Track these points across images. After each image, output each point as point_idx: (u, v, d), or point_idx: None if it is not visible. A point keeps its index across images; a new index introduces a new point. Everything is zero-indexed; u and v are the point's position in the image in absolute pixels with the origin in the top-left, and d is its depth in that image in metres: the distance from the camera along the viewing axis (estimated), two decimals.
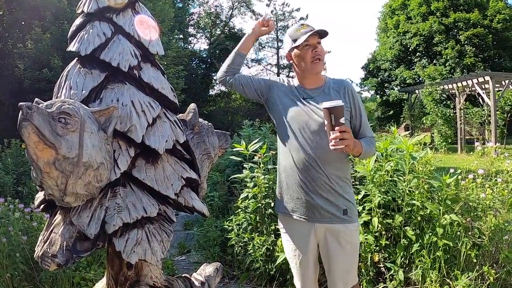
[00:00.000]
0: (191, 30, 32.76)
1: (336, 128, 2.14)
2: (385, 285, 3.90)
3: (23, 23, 14.67)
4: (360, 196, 4.08)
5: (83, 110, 1.67)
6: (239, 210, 4.56)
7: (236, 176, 4.88)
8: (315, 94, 2.46)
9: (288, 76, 35.45)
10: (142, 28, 2.06)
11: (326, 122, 2.19)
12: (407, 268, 3.92)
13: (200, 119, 2.41)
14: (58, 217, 1.84)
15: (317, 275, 2.66)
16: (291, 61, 2.55)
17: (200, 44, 49.12)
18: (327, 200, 2.41)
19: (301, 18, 35.31)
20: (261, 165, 4.38)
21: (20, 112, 1.50)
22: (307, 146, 2.42)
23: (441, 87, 21.73)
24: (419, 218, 3.92)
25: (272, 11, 35.00)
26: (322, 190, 2.41)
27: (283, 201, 2.58)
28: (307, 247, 2.53)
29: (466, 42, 28.78)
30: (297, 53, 2.47)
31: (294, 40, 2.45)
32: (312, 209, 2.44)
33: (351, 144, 2.19)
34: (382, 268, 4.02)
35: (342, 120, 2.14)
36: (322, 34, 2.45)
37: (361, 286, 3.85)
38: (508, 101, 21.19)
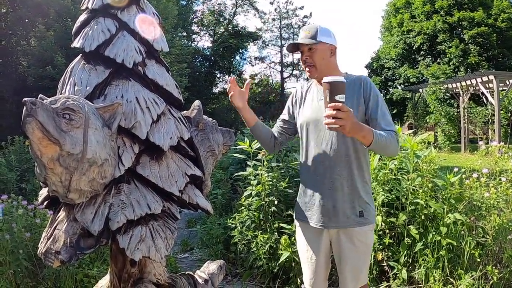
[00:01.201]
0: (194, 28, 32.82)
1: (329, 105, 1.93)
2: (388, 284, 3.89)
3: (26, 20, 14.71)
4: None
5: (87, 106, 1.66)
6: (243, 207, 4.57)
7: (239, 173, 4.88)
8: None
9: (291, 75, 35.60)
10: (145, 26, 2.05)
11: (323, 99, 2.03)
12: (410, 267, 3.91)
13: (205, 116, 2.40)
14: (62, 214, 1.84)
15: (327, 273, 2.65)
16: None
17: (204, 42, 49.22)
18: (343, 202, 2.39)
19: (305, 16, 35.45)
20: (265, 162, 4.38)
21: (24, 108, 1.49)
22: (322, 146, 2.41)
23: (445, 86, 21.69)
24: (422, 217, 3.91)
25: (275, 9, 35.07)
26: (338, 191, 2.39)
27: (299, 208, 2.59)
28: (319, 245, 2.52)
29: (470, 41, 28.71)
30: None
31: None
32: (328, 214, 2.42)
33: (346, 124, 1.94)
34: (385, 267, 4.01)
35: (338, 98, 1.93)
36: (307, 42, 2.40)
37: None
38: None
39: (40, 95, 1.63)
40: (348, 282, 2.48)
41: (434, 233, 3.78)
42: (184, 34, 27.31)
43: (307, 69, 2.44)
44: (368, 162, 2.51)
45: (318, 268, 2.56)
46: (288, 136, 2.76)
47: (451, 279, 3.70)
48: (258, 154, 4.43)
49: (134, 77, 1.96)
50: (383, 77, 33.20)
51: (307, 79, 2.65)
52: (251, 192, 4.39)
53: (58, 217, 1.84)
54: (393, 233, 4.05)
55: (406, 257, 3.89)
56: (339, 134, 2.33)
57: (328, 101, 1.95)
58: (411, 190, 3.94)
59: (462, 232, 3.78)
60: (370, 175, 2.55)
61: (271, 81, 37.77)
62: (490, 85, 18.57)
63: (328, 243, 2.53)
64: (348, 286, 2.49)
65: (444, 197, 3.89)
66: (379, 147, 2.17)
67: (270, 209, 4.33)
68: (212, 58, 31.22)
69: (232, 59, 33.01)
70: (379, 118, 2.31)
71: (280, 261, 3.97)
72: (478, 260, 3.71)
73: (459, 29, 29.90)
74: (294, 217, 2.70)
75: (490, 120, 20.43)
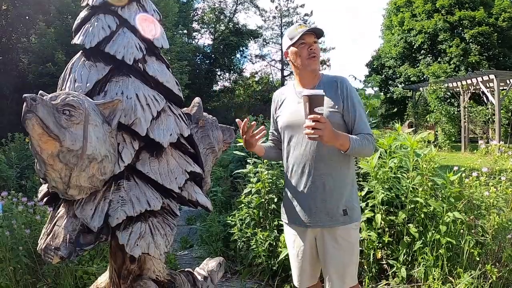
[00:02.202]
0: (195, 25, 32.77)
1: (309, 116, 2.10)
2: (387, 282, 3.90)
3: (27, 17, 14.72)
4: (363, 193, 4.08)
5: (87, 103, 1.66)
6: (242, 205, 4.57)
7: (239, 171, 4.88)
8: None
9: (292, 73, 35.53)
10: (145, 25, 2.05)
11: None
12: (409, 265, 3.91)
13: (205, 113, 2.41)
14: (62, 210, 1.84)
15: (316, 270, 2.64)
16: (287, 59, 2.57)
17: (204, 39, 49.06)
18: (325, 201, 2.40)
19: (306, 14, 35.39)
20: (265, 160, 4.38)
21: (24, 104, 1.49)
22: (303, 147, 2.43)
23: (446, 85, 21.66)
24: (422, 215, 3.91)
25: (276, 7, 35.03)
26: (320, 190, 2.41)
27: (285, 208, 2.62)
28: (305, 242, 2.54)
29: (471, 40, 28.65)
30: (293, 50, 2.48)
31: (291, 39, 2.47)
32: (310, 214, 2.43)
33: (325, 134, 2.11)
34: (384, 265, 4.02)
35: (318, 110, 2.10)
36: (318, 33, 2.47)
37: (363, 283, 3.85)
38: None
39: (40, 92, 1.63)
40: (333, 280, 2.48)
41: (433, 231, 3.78)
42: (185, 31, 27.33)
43: (313, 59, 2.45)
44: (351, 160, 2.53)
45: (305, 265, 2.57)
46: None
47: (450, 278, 3.71)
48: None
49: (134, 73, 1.97)
50: (383, 76, 33.12)
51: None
52: (251, 190, 4.40)
53: (58, 214, 1.84)
54: (393, 232, 4.06)
55: (405, 256, 3.89)
56: None
57: (308, 113, 2.11)
58: (411, 189, 3.94)
59: (462, 230, 3.79)
60: (354, 172, 2.58)
61: (271, 79, 37.75)
62: (491, 84, 18.54)
63: (313, 240, 2.53)
64: (334, 286, 2.48)
65: (444, 196, 3.89)
66: (355, 152, 2.32)
67: (270, 207, 4.33)
68: (213, 55, 31.20)
69: (232, 57, 32.98)
70: (357, 122, 2.42)
71: (279, 258, 3.97)
72: (477, 259, 3.71)
73: (460, 28, 29.83)
74: (281, 217, 2.72)
75: (491, 119, 20.43)
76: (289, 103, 2.55)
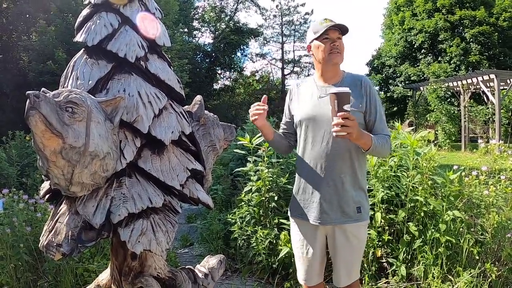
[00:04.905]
0: (195, 24, 32.73)
1: (338, 114, 2.09)
2: (387, 280, 3.91)
3: (27, 15, 14.74)
4: None
5: (90, 100, 1.67)
6: (243, 203, 4.57)
7: (240, 169, 4.88)
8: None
9: (292, 72, 35.53)
10: (146, 22, 2.05)
11: (331, 108, 2.15)
12: (409, 264, 3.93)
13: (206, 111, 2.41)
14: (64, 207, 1.85)
15: (323, 267, 2.66)
16: (310, 53, 2.55)
17: (205, 38, 49.05)
18: (342, 198, 2.42)
19: (306, 13, 35.41)
20: (265, 158, 4.39)
21: (28, 101, 1.50)
22: (323, 144, 2.42)
23: (446, 84, 21.65)
24: (422, 214, 3.92)
25: (277, 6, 35.03)
26: (339, 188, 2.42)
27: (296, 205, 2.59)
28: (315, 241, 2.55)
29: (471, 39, 28.62)
30: (316, 44, 2.47)
31: (315, 33, 2.45)
32: (326, 211, 2.43)
33: (353, 132, 2.12)
34: (384, 264, 4.03)
35: (346, 107, 2.10)
36: (343, 29, 2.45)
37: (363, 281, 3.87)
38: None
39: (43, 89, 1.64)
40: (341, 277, 2.53)
41: (433, 230, 3.79)
42: (185, 30, 27.28)
43: (336, 54, 2.43)
44: (365, 159, 2.57)
45: (313, 263, 2.59)
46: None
47: (450, 276, 3.72)
48: (259, 150, 4.44)
49: (136, 71, 1.97)
50: (384, 75, 33.11)
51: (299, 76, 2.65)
52: (251, 188, 4.40)
53: (60, 210, 1.85)
54: (393, 230, 4.07)
55: (405, 254, 3.90)
56: None
57: (337, 110, 2.11)
58: (411, 187, 3.95)
59: (461, 229, 3.80)
60: (365, 170, 2.61)
61: (272, 78, 37.73)
62: (491, 84, 18.54)
63: (323, 238, 2.55)
64: (341, 281, 2.55)
65: (444, 195, 3.91)
66: (375, 151, 2.36)
67: (270, 205, 4.34)
68: (213, 54, 31.18)
69: (233, 56, 32.95)
70: (377, 122, 2.44)
71: (279, 256, 3.98)
72: (477, 257, 3.72)
73: (461, 28, 29.80)
74: (289, 214, 2.70)
75: (491, 119, 20.44)
76: (309, 97, 2.52)
